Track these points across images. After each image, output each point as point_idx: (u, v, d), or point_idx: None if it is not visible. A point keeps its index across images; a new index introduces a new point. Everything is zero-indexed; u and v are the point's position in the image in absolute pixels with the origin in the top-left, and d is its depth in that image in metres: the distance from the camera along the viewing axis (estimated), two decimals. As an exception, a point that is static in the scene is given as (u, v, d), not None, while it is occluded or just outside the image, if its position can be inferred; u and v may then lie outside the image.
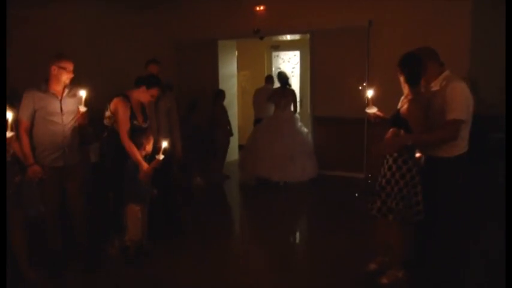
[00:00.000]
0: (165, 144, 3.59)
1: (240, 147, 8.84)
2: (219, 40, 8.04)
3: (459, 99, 3.05)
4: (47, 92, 3.58)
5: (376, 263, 3.59)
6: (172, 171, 4.63)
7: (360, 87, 3.53)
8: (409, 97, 3.19)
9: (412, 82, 3.20)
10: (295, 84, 9.36)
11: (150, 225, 3.92)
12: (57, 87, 3.60)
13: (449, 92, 3.09)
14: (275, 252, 4.32)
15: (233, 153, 8.22)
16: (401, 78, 3.29)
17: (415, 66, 3.19)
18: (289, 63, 10.11)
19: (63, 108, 3.61)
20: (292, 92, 7.16)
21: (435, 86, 3.26)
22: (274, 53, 10.09)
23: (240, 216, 5.95)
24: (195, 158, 6.37)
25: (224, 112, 7.27)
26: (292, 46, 9.89)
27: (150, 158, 3.77)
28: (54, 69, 3.55)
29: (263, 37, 7.86)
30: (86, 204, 3.85)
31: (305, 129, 7.16)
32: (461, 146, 3.14)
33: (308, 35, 8.40)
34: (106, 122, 3.87)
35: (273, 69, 10.06)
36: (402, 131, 3.16)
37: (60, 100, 3.61)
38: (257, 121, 7.50)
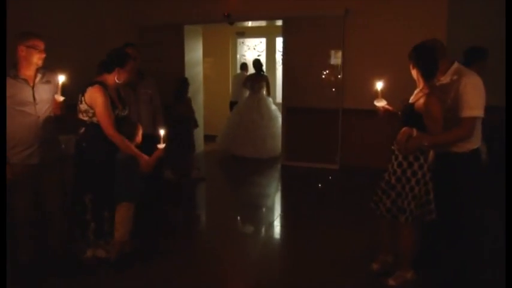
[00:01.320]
0: (162, 131, 3.29)
1: (206, 137, 8.50)
2: (185, 25, 7.58)
3: (475, 95, 2.91)
4: (16, 78, 3.10)
5: (378, 262, 3.43)
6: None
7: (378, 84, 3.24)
8: (426, 91, 2.99)
9: (428, 75, 3.01)
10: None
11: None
12: (27, 71, 3.14)
13: (464, 86, 2.94)
14: (259, 250, 4.10)
15: (199, 144, 7.84)
16: (414, 72, 3.09)
17: (430, 57, 3.00)
18: (255, 51, 9.81)
19: (36, 96, 3.15)
20: (266, 77, 8.02)
21: (445, 79, 3.11)
22: (240, 40, 9.74)
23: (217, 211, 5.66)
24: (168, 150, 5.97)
25: (190, 103, 6.76)
26: (258, 33, 9.59)
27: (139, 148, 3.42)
28: (22, 50, 3.08)
29: (233, 22, 7.52)
30: (64, 206, 3.41)
31: (277, 113, 7.80)
32: (475, 140, 3.02)
33: (275, 22, 8.22)
34: (82, 116, 3.32)
35: (238, 56, 9.74)
36: (415, 130, 2.96)
37: (33, 87, 3.14)
38: (232, 104, 8.37)
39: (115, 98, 3.41)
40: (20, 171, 3.12)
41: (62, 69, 3.27)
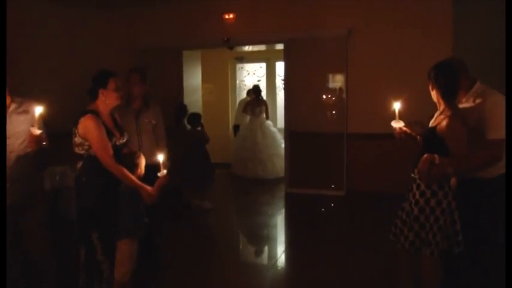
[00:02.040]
0: (161, 157, 2.96)
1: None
2: (184, 50, 7.40)
3: (502, 115, 2.66)
4: None
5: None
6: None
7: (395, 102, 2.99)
8: (448, 113, 2.74)
9: (449, 96, 2.77)
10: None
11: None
12: None
13: (490, 107, 2.72)
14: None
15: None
16: (434, 92, 2.86)
17: (451, 76, 2.77)
18: (255, 75, 9.63)
19: (8, 129, 2.81)
20: (265, 102, 8.44)
21: (467, 102, 2.87)
22: (239, 65, 9.57)
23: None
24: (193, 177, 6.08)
25: (187, 131, 6.43)
26: (257, 58, 9.44)
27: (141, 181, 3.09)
28: None
29: (233, 47, 7.35)
30: (49, 246, 3.11)
31: (279, 135, 8.14)
32: (503, 164, 2.75)
33: (275, 46, 8.08)
34: (78, 150, 3.00)
35: (237, 82, 9.55)
36: (437, 157, 2.69)
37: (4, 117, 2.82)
38: (236, 127, 8.80)
39: (110, 126, 3.09)
40: None
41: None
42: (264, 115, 8.26)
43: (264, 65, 9.45)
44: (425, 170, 2.70)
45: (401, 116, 3.03)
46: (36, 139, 2.83)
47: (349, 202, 6.36)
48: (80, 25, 6.65)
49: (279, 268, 4.21)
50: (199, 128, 6.21)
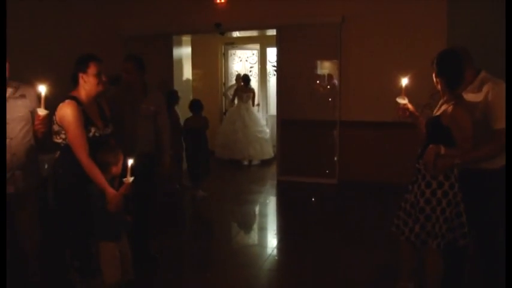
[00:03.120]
0: (131, 162, 2.67)
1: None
2: (174, 35, 7.22)
3: (505, 104, 2.61)
4: None
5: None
6: (153, 187, 3.83)
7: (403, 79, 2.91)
8: (452, 102, 2.69)
9: (454, 85, 2.70)
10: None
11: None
12: None
13: (495, 96, 2.67)
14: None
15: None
16: (438, 81, 2.79)
17: (456, 65, 2.70)
18: (247, 62, 9.50)
19: (6, 115, 2.73)
20: (252, 89, 8.74)
21: (471, 91, 2.81)
22: (231, 51, 9.40)
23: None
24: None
25: (177, 118, 6.33)
26: (248, 43, 9.30)
27: (120, 180, 2.85)
28: None
29: (224, 32, 7.19)
30: (40, 238, 2.99)
31: (264, 121, 8.73)
32: (504, 155, 2.71)
33: (266, 32, 7.94)
34: (56, 139, 2.80)
35: (229, 68, 9.40)
36: (442, 147, 2.63)
37: None
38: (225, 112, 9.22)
39: (93, 114, 2.88)
40: None
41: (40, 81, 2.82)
42: (251, 101, 8.60)
43: (256, 52, 9.29)
44: (431, 161, 2.65)
45: (408, 96, 2.95)
46: (44, 120, 2.71)
47: (342, 191, 6.33)
48: (62, 11, 6.39)
49: (275, 259, 4.15)
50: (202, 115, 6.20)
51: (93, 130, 2.82)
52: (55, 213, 2.94)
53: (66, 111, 2.71)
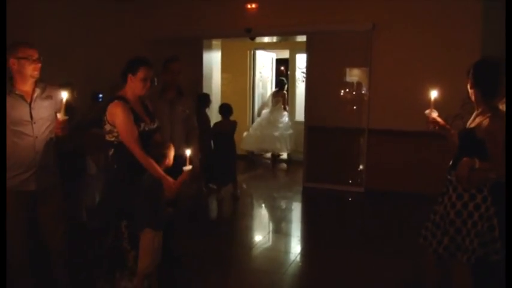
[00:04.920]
0: (188, 152, 2.88)
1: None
2: (205, 39, 7.30)
3: None
4: (11, 94, 2.76)
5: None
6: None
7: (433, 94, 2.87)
8: (488, 114, 2.61)
9: (490, 96, 2.63)
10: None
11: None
12: (23, 86, 2.79)
13: None
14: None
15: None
16: (472, 91, 2.72)
17: (493, 76, 2.63)
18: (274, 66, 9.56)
19: (33, 114, 2.80)
20: (283, 94, 9.15)
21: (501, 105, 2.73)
22: (259, 55, 9.44)
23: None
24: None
25: (208, 121, 6.46)
26: (278, 48, 9.33)
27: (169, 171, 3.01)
28: (13, 63, 2.74)
29: (254, 37, 7.22)
30: (66, 234, 3.05)
31: (289, 122, 9.17)
32: None
33: (297, 38, 7.94)
34: (108, 138, 2.95)
35: (257, 72, 9.43)
36: (477, 161, 2.56)
37: (30, 103, 2.80)
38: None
39: (140, 111, 3.03)
40: (14, 199, 2.75)
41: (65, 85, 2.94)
42: (281, 105, 9.09)
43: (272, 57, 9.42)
44: (466, 175, 2.57)
45: (437, 107, 2.89)
46: (62, 125, 2.81)
47: (368, 199, 6.25)
48: (90, 14, 6.52)
49: (298, 265, 4.12)
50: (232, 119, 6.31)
51: (142, 125, 2.95)
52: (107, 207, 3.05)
53: (116, 111, 2.86)
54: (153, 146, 2.98)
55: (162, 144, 3.05)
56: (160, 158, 2.96)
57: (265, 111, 9.36)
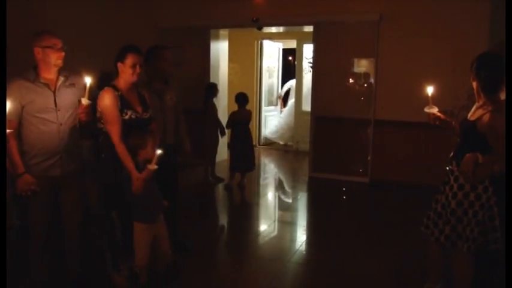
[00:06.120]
0: (159, 151, 2.75)
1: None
2: (212, 29, 7.33)
3: None
4: (36, 82, 2.83)
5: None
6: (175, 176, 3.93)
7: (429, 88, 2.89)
8: (489, 108, 2.64)
9: (491, 89, 2.66)
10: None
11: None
12: (48, 74, 2.86)
13: None
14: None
15: (222, 153, 7.52)
16: (475, 84, 2.74)
17: (495, 69, 2.65)
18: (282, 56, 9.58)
19: (58, 102, 2.87)
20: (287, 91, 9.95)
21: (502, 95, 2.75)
22: (266, 45, 9.45)
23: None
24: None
25: (215, 109, 6.54)
26: (285, 38, 9.33)
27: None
28: (38, 52, 2.81)
29: (261, 27, 7.24)
30: (81, 221, 3.14)
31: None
32: None
33: (304, 28, 7.92)
34: (99, 125, 3.00)
35: (264, 62, 9.44)
36: (480, 156, 2.59)
37: (54, 91, 2.87)
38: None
39: (133, 100, 3.06)
40: (39, 184, 2.83)
41: (85, 72, 2.99)
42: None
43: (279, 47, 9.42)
44: (471, 171, 2.60)
45: (435, 103, 2.92)
46: (87, 109, 2.88)
47: (373, 190, 6.30)
48: (102, 4, 6.55)
49: (303, 253, 4.19)
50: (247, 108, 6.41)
51: (129, 113, 2.99)
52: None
53: (104, 97, 2.93)
54: (131, 135, 2.95)
55: (139, 134, 2.97)
56: (135, 148, 2.92)
57: (291, 101, 9.70)
